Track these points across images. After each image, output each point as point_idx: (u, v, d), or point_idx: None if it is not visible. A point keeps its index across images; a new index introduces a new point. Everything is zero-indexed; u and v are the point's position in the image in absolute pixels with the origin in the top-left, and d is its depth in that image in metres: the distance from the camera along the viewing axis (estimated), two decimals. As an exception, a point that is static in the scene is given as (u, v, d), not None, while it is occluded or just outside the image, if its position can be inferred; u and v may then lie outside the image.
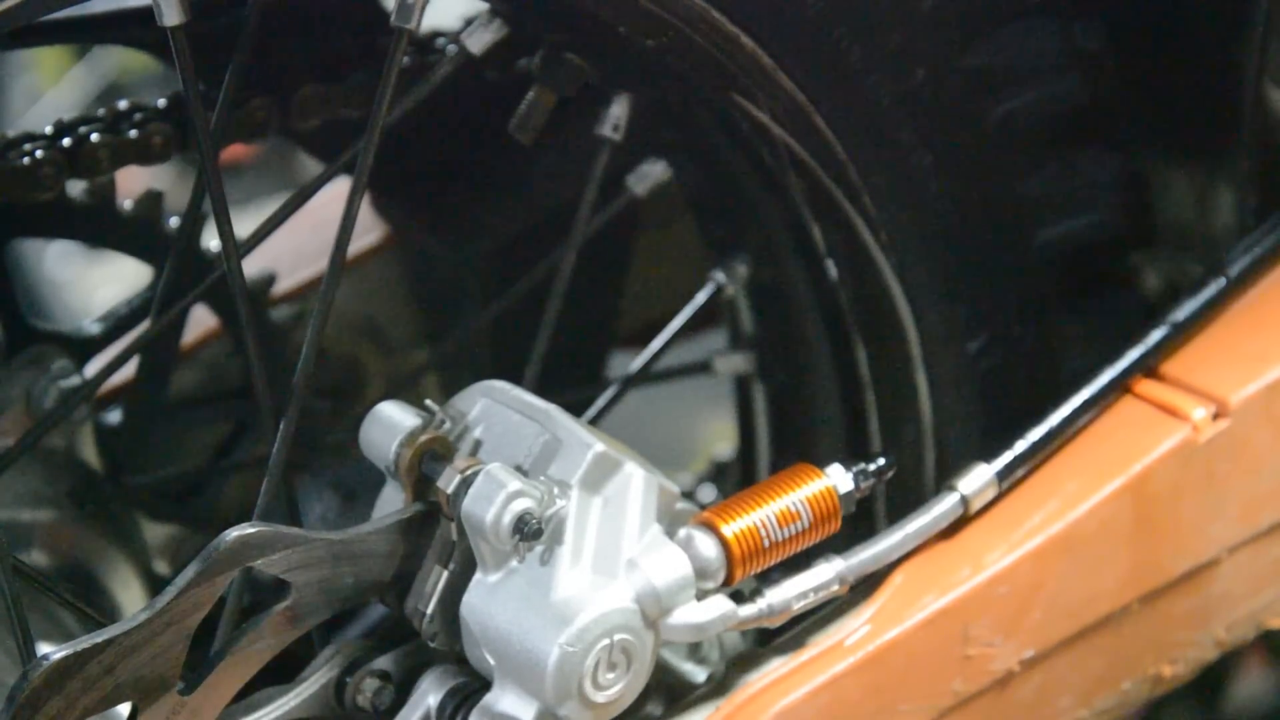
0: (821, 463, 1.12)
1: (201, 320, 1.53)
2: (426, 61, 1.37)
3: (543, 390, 1.14)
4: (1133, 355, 1.28)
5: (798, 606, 1.11)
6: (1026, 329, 1.34)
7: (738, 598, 1.08)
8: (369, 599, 1.08)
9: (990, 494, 1.21)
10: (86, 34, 1.38)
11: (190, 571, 0.98)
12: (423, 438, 1.06)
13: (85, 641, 0.95)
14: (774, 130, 1.22)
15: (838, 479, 1.11)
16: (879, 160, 1.24)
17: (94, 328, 1.45)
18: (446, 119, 1.42)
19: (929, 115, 1.24)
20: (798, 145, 1.22)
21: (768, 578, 1.10)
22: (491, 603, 1.04)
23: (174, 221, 1.45)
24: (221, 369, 1.55)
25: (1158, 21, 1.36)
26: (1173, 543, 1.27)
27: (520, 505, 1.02)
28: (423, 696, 1.08)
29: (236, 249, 1.11)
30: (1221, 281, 1.30)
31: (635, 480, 1.05)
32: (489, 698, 1.05)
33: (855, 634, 1.16)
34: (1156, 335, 1.28)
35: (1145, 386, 1.27)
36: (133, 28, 1.32)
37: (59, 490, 1.37)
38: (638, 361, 1.39)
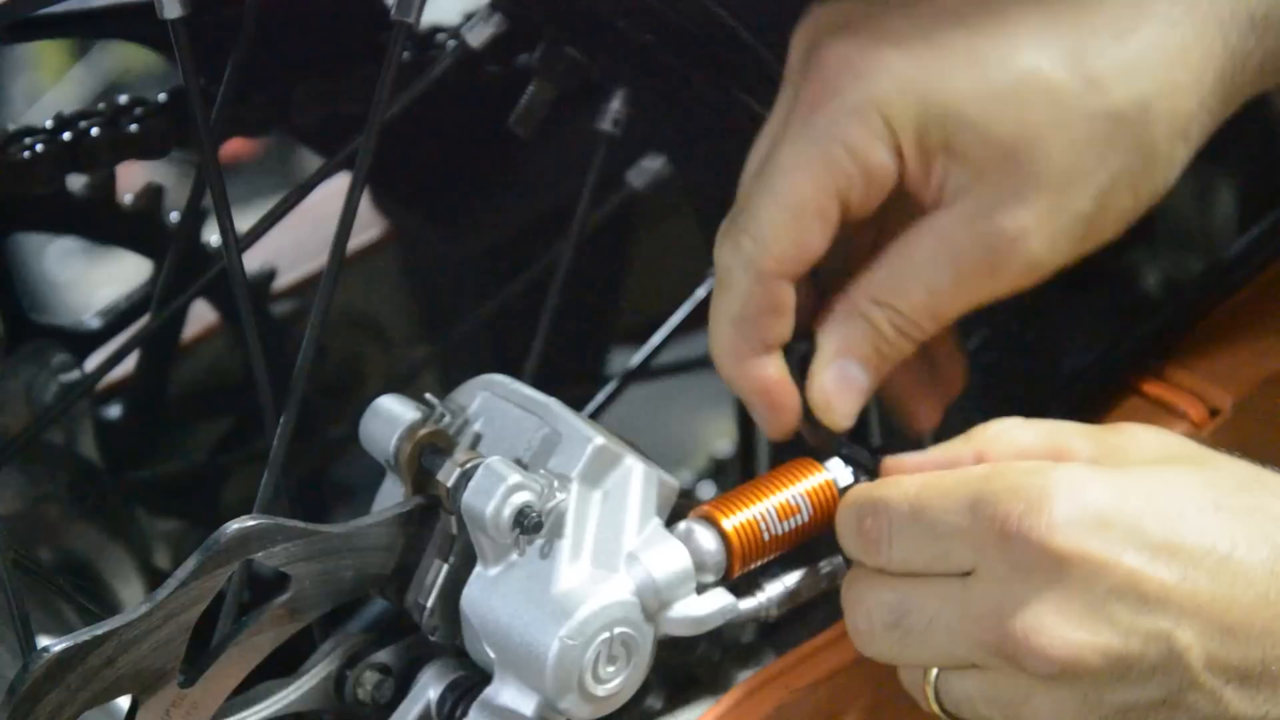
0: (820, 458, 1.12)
1: (202, 315, 1.53)
2: (426, 56, 1.37)
3: (542, 385, 1.14)
4: (1131, 353, 1.27)
5: (797, 600, 1.11)
6: (1025, 326, 1.34)
7: (737, 591, 1.08)
8: (369, 592, 1.08)
9: (990, 490, 1.20)
10: (86, 27, 1.38)
11: (190, 564, 0.98)
12: (422, 431, 1.06)
13: (85, 634, 0.94)
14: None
15: (837, 473, 1.11)
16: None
17: (94, 322, 1.45)
18: (446, 114, 1.42)
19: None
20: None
21: (767, 571, 1.10)
22: (492, 596, 1.04)
23: (174, 216, 1.45)
24: (222, 364, 1.56)
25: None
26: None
27: (520, 499, 1.02)
28: (423, 690, 1.08)
29: (237, 244, 1.11)
30: (1221, 279, 1.30)
31: (635, 474, 1.05)
32: (489, 691, 1.05)
33: (855, 628, 1.16)
34: (1155, 333, 1.28)
35: (1143, 384, 1.27)
36: (133, 21, 1.32)
37: (59, 484, 1.37)
38: (638, 357, 1.39)
